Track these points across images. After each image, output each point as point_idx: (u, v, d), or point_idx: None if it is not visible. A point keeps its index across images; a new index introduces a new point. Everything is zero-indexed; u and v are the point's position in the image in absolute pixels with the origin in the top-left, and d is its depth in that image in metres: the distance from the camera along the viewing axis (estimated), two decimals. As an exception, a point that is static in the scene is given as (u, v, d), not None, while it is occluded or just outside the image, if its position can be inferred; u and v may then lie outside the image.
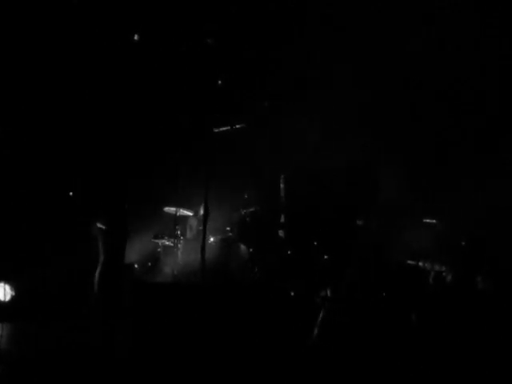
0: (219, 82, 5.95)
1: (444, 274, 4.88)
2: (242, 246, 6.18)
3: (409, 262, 5.37)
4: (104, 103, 5.65)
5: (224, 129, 5.53)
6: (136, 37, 5.94)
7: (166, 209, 6.51)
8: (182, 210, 6.37)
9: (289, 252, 6.30)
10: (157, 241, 6.50)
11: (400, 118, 6.38)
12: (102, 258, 4.44)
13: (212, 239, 6.15)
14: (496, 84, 6.01)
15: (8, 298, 4.61)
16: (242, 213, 6.43)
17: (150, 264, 6.47)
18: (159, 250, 6.50)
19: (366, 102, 6.24)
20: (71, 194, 5.40)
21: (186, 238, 6.48)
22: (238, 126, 5.69)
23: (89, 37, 5.50)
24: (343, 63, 6.17)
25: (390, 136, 6.39)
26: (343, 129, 6.31)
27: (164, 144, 6.38)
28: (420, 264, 5.27)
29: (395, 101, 6.30)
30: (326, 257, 6.02)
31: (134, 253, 6.44)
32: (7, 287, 4.59)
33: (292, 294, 5.14)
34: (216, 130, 5.43)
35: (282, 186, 6.67)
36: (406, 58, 5.93)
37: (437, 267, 5.17)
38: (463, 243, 5.32)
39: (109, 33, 5.58)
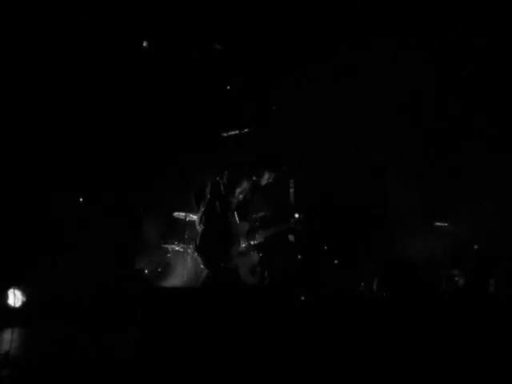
0: (228, 87, 5.97)
1: (456, 278, 4.81)
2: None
3: (422, 267, 5.31)
4: (113, 112, 5.71)
5: (232, 133, 5.53)
6: (145, 43, 5.99)
7: (176, 214, 6.52)
8: (191, 215, 6.37)
9: (299, 256, 6.27)
10: (167, 246, 6.52)
11: (408, 122, 6.34)
12: None
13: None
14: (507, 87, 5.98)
15: (19, 303, 4.64)
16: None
17: (159, 269, 6.48)
18: (169, 255, 6.52)
19: (375, 109, 6.22)
20: (81, 199, 5.43)
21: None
22: (246, 130, 5.68)
23: (100, 44, 5.57)
24: (354, 73, 6.16)
25: (398, 138, 6.36)
26: (353, 134, 6.28)
27: (172, 148, 6.41)
28: (434, 269, 5.22)
29: (402, 106, 6.28)
30: (336, 261, 5.98)
31: (144, 258, 6.46)
32: (18, 293, 4.62)
33: (302, 298, 5.11)
34: (224, 135, 5.43)
35: (291, 190, 6.64)
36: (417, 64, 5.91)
37: (450, 271, 5.11)
38: (475, 246, 5.26)
39: (119, 39, 5.64)
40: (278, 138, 6.17)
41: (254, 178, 4.77)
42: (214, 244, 4.56)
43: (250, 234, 4.60)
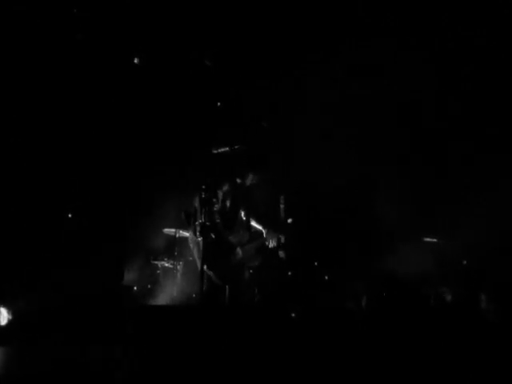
0: (218, 103, 6.00)
1: (444, 294, 4.81)
2: (242, 267, 6.11)
3: (410, 285, 5.31)
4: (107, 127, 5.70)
5: (223, 150, 5.54)
6: (136, 60, 6.03)
7: (166, 230, 6.49)
8: (181, 232, 6.34)
9: (289, 273, 6.24)
10: (156, 262, 6.47)
11: (399, 132, 6.35)
12: None
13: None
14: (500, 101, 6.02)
15: (4, 321, 4.55)
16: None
17: (149, 286, 6.42)
18: (158, 271, 6.47)
19: (365, 117, 6.23)
20: (70, 215, 5.38)
21: (186, 259, 6.44)
22: (236, 147, 5.69)
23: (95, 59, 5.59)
24: (342, 76, 6.17)
25: (388, 151, 6.37)
26: (342, 146, 6.29)
27: (163, 165, 6.40)
28: (422, 288, 5.21)
29: (394, 114, 6.29)
30: (326, 277, 5.96)
31: (134, 275, 6.40)
32: (3, 310, 4.53)
33: (293, 315, 5.07)
34: (215, 152, 5.44)
35: (281, 206, 6.64)
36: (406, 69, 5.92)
37: (438, 288, 5.11)
38: (464, 262, 5.27)
39: (112, 55, 5.66)
40: (270, 141, 6.14)
41: (239, 181, 4.67)
42: (225, 257, 4.45)
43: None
